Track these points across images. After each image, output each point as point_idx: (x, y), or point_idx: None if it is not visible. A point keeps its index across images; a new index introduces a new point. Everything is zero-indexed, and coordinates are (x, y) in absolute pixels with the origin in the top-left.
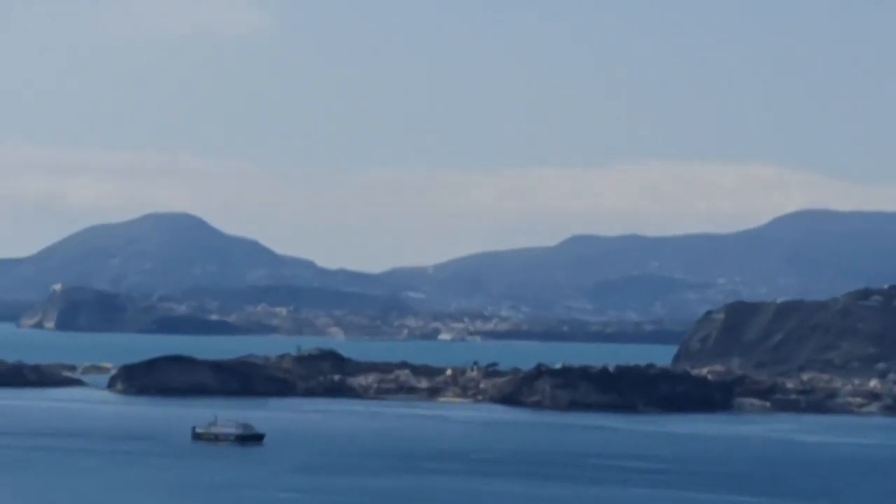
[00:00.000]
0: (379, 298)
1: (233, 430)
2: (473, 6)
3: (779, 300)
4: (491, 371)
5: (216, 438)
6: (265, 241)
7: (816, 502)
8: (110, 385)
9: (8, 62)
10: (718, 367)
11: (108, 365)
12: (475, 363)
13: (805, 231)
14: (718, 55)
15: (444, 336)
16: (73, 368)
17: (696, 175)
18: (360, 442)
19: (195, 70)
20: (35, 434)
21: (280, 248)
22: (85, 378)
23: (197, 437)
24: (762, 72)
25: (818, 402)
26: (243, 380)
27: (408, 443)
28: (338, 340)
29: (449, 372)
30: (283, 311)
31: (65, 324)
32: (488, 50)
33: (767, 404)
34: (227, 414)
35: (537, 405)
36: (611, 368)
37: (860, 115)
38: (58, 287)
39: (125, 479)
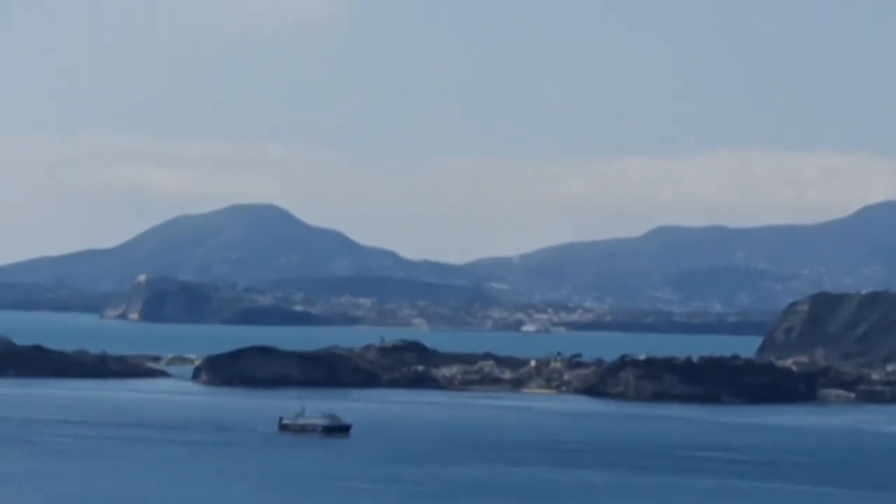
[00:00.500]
0: (463, 289)
1: (319, 422)
2: None
3: (863, 291)
4: (575, 362)
5: (303, 429)
6: (349, 232)
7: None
8: (194, 376)
9: (95, 54)
10: (803, 359)
11: (193, 356)
12: (559, 354)
13: (891, 221)
14: (798, 42)
15: (528, 327)
16: (157, 359)
17: (782, 164)
18: (446, 433)
19: (276, 60)
20: (120, 425)
21: (363, 238)
22: (169, 369)
23: (283, 427)
24: (848, 58)
25: None
26: (327, 371)
27: (492, 433)
28: (421, 331)
29: (533, 363)
30: (366, 302)
31: (149, 315)
32: (573, 39)
33: (852, 395)
34: (314, 405)
35: (621, 396)
36: (695, 359)
37: None
38: (142, 278)
39: (212, 469)
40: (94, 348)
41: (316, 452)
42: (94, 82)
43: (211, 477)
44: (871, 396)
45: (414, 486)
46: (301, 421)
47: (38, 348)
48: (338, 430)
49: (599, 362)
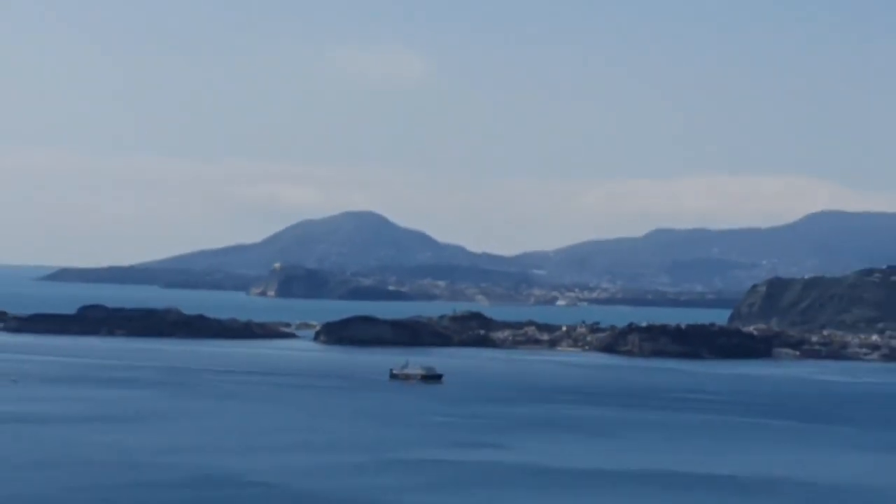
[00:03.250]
0: (513, 274)
1: (420, 372)
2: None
3: (806, 276)
4: (594, 328)
5: (407, 378)
6: (430, 232)
7: (832, 424)
8: (315, 338)
9: (234, 97)
10: (761, 326)
11: (314, 323)
12: (583, 322)
13: (827, 225)
14: (761, 85)
15: (561, 302)
16: (288, 325)
17: (747, 184)
18: (505, 381)
19: (379, 104)
20: (262, 373)
21: (440, 237)
22: (297, 332)
23: (393, 376)
24: (798, 102)
25: (835, 352)
26: (413, 334)
27: (536, 381)
28: (482, 305)
29: (564, 328)
30: (442, 283)
31: (282, 293)
32: (592, 87)
33: (797, 353)
34: (415, 359)
35: (628, 353)
36: (683, 326)
37: (870, 136)
38: (277, 266)
39: (342, 406)
40: (242, 317)
41: (418, 395)
42: (240, 118)
43: (339, 411)
44: (811, 354)
45: (487, 421)
46: (406, 371)
47: (200, 317)
48: (433, 378)
49: (613, 328)
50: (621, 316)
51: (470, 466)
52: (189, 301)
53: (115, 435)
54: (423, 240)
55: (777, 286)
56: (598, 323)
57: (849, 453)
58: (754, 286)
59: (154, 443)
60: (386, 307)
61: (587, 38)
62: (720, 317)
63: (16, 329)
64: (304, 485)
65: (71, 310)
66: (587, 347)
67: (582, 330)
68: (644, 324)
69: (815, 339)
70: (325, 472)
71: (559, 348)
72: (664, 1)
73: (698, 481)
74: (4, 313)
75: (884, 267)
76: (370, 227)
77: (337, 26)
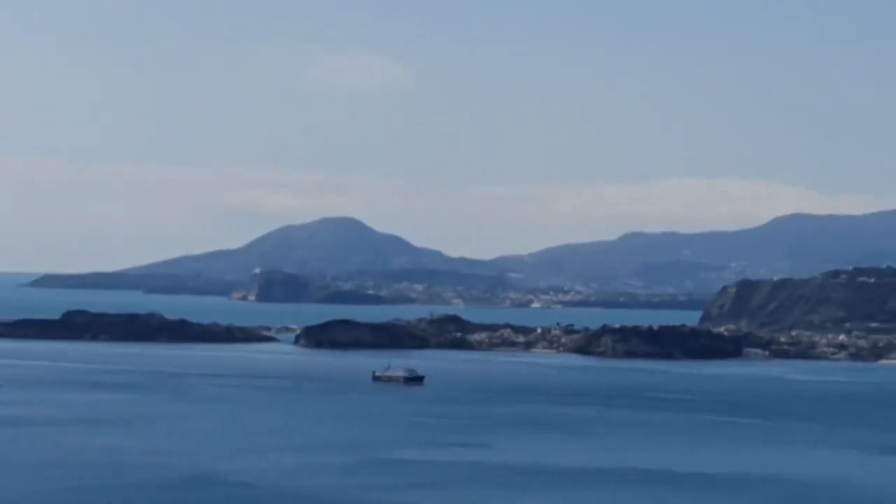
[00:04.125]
0: (488, 278)
1: (402, 374)
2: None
3: (775, 278)
4: (569, 330)
5: (389, 380)
6: (407, 237)
7: (800, 422)
8: (295, 341)
9: (221, 106)
10: (731, 326)
11: (294, 326)
12: (558, 324)
13: (794, 228)
14: (732, 94)
15: (536, 304)
16: (268, 329)
17: (716, 188)
18: (482, 382)
19: (356, 112)
20: (243, 376)
21: (417, 241)
22: (277, 336)
23: (375, 379)
24: (766, 107)
25: (803, 351)
26: (391, 337)
27: (513, 381)
28: (459, 308)
29: (539, 330)
30: (419, 287)
31: (263, 297)
32: (566, 96)
33: (766, 353)
34: (397, 362)
35: (602, 354)
36: (654, 328)
37: (837, 140)
38: (258, 271)
39: (326, 408)
40: (224, 321)
41: (401, 396)
42: (221, 125)
43: (322, 412)
44: (780, 353)
45: (468, 421)
46: (388, 373)
47: (182, 321)
48: (415, 380)
49: (586, 330)
50: (594, 318)
51: (452, 466)
52: (171, 306)
53: (102, 438)
54: (400, 244)
55: (746, 288)
56: (572, 325)
57: (817, 450)
58: (724, 288)
59: (141, 445)
60: (365, 311)
61: (561, 46)
62: (691, 318)
63: (1, 334)
64: (290, 485)
65: (55, 315)
66: (561, 349)
67: (556, 332)
68: (617, 325)
69: (783, 339)
70: (310, 473)
71: (534, 350)
72: (636, 8)
73: (671, 478)
74: None
75: (850, 268)
76: (348, 232)
77: (317, 35)
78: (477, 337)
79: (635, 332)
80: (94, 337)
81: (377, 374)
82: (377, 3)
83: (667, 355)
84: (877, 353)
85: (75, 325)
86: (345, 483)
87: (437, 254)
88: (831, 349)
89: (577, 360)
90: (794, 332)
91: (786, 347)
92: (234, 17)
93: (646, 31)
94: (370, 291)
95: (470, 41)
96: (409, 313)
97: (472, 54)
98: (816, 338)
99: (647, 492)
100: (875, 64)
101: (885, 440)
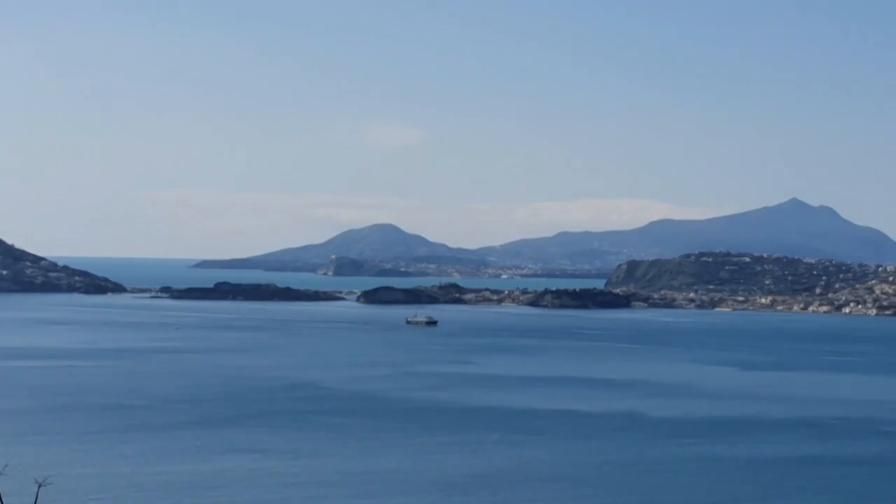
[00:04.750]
0: (475, 260)
1: (424, 319)
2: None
3: (650, 259)
4: (525, 292)
5: (416, 323)
6: (425, 235)
7: (667, 346)
8: (357, 300)
9: (309, 156)
10: (624, 289)
11: (356, 291)
12: (518, 288)
13: (661, 229)
14: (623, 133)
15: (504, 276)
16: (341, 293)
17: (614, 203)
18: (472, 324)
19: (388, 158)
20: (324, 321)
21: (432, 238)
22: (346, 297)
23: (408, 323)
24: (640, 152)
25: (668, 303)
26: (416, 297)
27: (490, 323)
28: (457, 279)
29: (506, 292)
30: (433, 266)
31: (337, 273)
32: (516, 132)
33: (646, 304)
34: (421, 311)
35: (545, 306)
36: (577, 290)
37: (688, 173)
38: (333, 257)
39: (374, 339)
40: (313, 288)
41: (423, 333)
42: (309, 166)
43: (374, 343)
44: (654, 304)
45: (460, 345)
46: (416, 319)
47: (288, 288)
48: (432, 323)
49: (535, 292)
50: (540, 284)
51: (452, 375)
52: (281, 279)
53: (240, 359)
54: (421, 241)
55: (633, 265)
56: (526, 289)
57: (677, 363)
58: (619, 265)
59: (264, 364)
60: (399, 281)
61: (513, 118)
62: (599, 284)
63: (177, 297)
64: (354, 388)
65: (209, 285)
66: (520, 303)
67: (517, 293)
68: (554, 289)
69: (656, 296)
70: (367, 380)
71: (504, 304)
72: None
73: (587, 382)
74: (169, 287)
75: (696, 253)
76: (389, 233)
77: (360, 105)
78: (468, 296)
79: (565, 292)
80: (234, 298)
81: (408, 319)
82: (404, 86)
83: (584, 306)
84: (713, 304)
85: (222, 291)
86: (386, 386)
87: (444, 246)
88: (685, 301)
89: (530, 310)
90: (662, 292)
91: (657, 301)
92: (322, 92)
93: (575, 103)
94: (402, 269)
95: (463, 112)
96: (426, 283)
97: (464, 121)
98: (676, 295)
99: (572, 390)
100: (717, 115)
101: (719, 356)
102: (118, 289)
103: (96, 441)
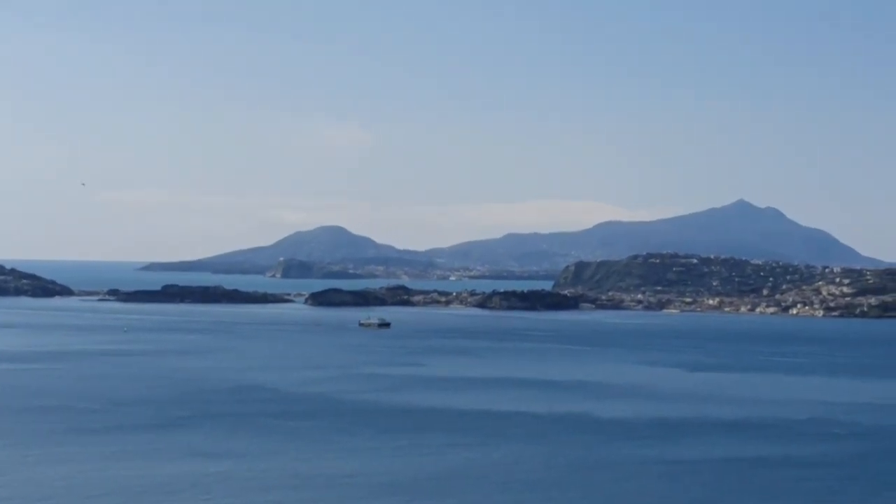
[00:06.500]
0: (423, 262)
1: (377, 321)
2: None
3: (597, 260)
4: (472, 293)
5: (369, 325)
6: (373, 237)
7: (613, 347)
8: (305, 302)
9: (257, 156)
10: (572, 290)
11: (305, 293)
12: (465, 290)
13: (608, 230)
14: (572, 139)
15: (452, 278)
16: (289, 294)
17: (562, 205)
18: (421, 325)
19: (338, 160)
20: (273, 323)
21: (380, 240)
22: (294, 299)
23: (360, 325)
24: (587, 157)
25: (615, 304)
26: (364, 299)
27: (439, 325)
28: (405, 280)
29: (454, 294)
30: (381, 268)
31: (285, 275)
32: (467, 138)
33: (593, 306)
34: (374, 313)
35: (493, 308)
36: (525, 291)
37: (635, 176)
38: (281, 259)
39: (328, 341)
40: (261, 290)
41: (376, 335)
42: (257, 168)
43: (326, 345)
44: (602, 306)
45: (412, 347)
46: (368, 321)
47: (236, 290)
48: (385, 325)
49: (483, 293)
50: (488, 286)
51: (402, 377)
52: (229, 281)
53: (187, 361)
54: (369, 242)
55: (580, 266)
56: (474, 290)
57: (625, 365)
58: (567, 266)
59: (212, 366)
60: (347, 283)
61: (464, 122)
62: (547, 285)
63: (125, 300)
64: (306, 389)
65: (157, 287)
66: (469, 305)
67: (465, 295)
68: (502, 290)
69: (603, 297)
70: (318, 382)
71: (452, 306)
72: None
73: (536, 383)
74: (117, 290)
75: (644, 254)
76: (337, 235)
77: (309, 107)
78: (417, 298)
79: (513, 294)
80: (182, 301)
81: (361, 321)
82: (353, 88)
83: (532, 308)
84: (661, 305)
85: (170, 294)
86: (339, 388)
87: (392, 248)
88: (633, 303)
89: (478, 312)
90: (610, 293)
91: (605, 302)
92: (271, 93)
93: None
94: (350, 271)
95: (411, 114)
96: (374, 284)
97: (412, 123)
98: (624, 296)
99: (521, 392)
100: (658, 126)
101: (667, 358)
102: (66, 292)
103: (41, 445)
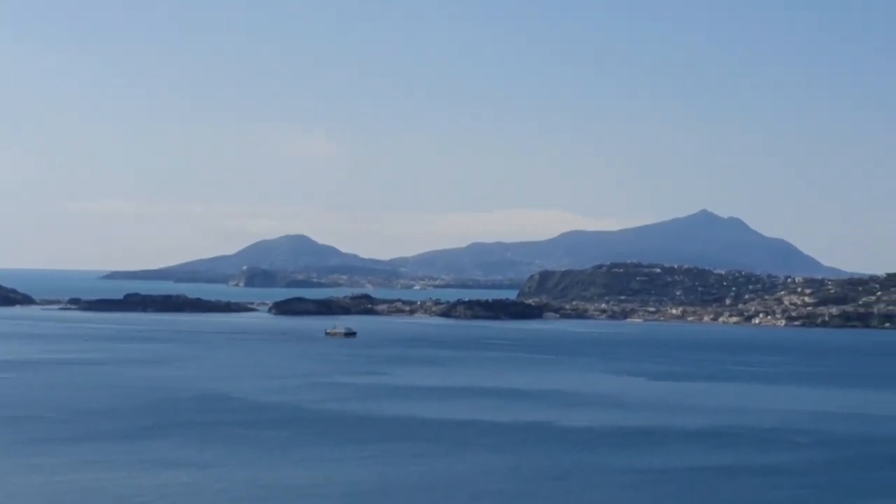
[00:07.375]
0: (388, 271)
1: (343, 330)
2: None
3: (562, 270)
4: (437, 303)
5: (335, 334)
6: (337, 246)
7: (577, 356)
8: (269, 311)
9: (219, 164)
10: (536, 299)
11: (268, 302)
12: (430, 299)
13: (572, 240)
14: (541, 149)
15: (417, 287)
16: (252, 304)
17: (526, 215)
18: (385, 335)
19: (304, 169)
20: (236, 332)
21: (344, 248)
22: (258, 308)
23: (327, 334)
24: (552, 167)
25: (580, 314)
26: (328, 307)
27: (403, 334)
28: (369, 289)
29: (419, 303)
30: (345, 277)
31: (248, 284)
32: (440, 151)
33: (558, 315)
34: (340, 322)
35: (457, 317)
36: (489, 300)
37: (600, 186)
38: (245, 268)
39: (294, 351)
40: (224, 299)
41: (342, 344)
42: (218, 178)
43: (291, 354)
44: (566, 315)
45: (377, 356)
46: (334, 330)
47: (198, 299)
48: (351, 334)
49: (448, 302)
50: (453, 295)
51: (368, 386)
52: (192, 290)
53: (150, 371)
54: (333, 251)
55: (545, 276)
56: (439, 300)
57: (589, 374)
58: (531, 276)
59: (174, 375)
60: (311, 292)
61: (432, 134)
62: (512, 294)
63: (86, 308)
64: (268, 399)
65: (120, 296)
66: (433, 314)
67: (429, 304)
68: (466, 299)
69: (568, 306)
70: (281, 391)
71: (416, 315)
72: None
73: (500, 392)
74: (78, 299)
75: (608, 263)
76: (301, 244)
77: (273, 115)
78: (381, 307)
79: (477, 303)
80: (144, 310)
81: (327, 331)
82: (318, 97)
83: (497, 317)
84: (624, 314)
85: (132, 303)
86: (302, 397)
87: (356, 256)
88: (597, 312)
89: (442, 321)
90: (574, 303)
91: (569, 311)
92: (235, 102)
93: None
94: (314, 280)
95: (377, 124)
96: (338, 293)
97: (377, 133)
98: (588, 305)
99: (485, 401)
100: (624, 137)
101: (630, 367)
102: (27, 300)
103: (8, 455)
